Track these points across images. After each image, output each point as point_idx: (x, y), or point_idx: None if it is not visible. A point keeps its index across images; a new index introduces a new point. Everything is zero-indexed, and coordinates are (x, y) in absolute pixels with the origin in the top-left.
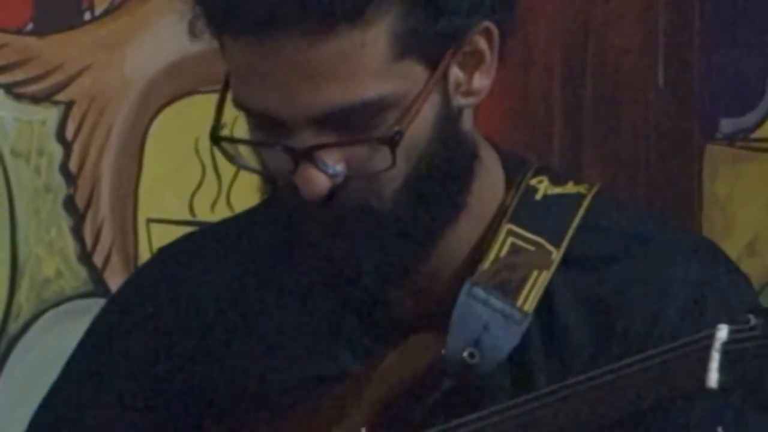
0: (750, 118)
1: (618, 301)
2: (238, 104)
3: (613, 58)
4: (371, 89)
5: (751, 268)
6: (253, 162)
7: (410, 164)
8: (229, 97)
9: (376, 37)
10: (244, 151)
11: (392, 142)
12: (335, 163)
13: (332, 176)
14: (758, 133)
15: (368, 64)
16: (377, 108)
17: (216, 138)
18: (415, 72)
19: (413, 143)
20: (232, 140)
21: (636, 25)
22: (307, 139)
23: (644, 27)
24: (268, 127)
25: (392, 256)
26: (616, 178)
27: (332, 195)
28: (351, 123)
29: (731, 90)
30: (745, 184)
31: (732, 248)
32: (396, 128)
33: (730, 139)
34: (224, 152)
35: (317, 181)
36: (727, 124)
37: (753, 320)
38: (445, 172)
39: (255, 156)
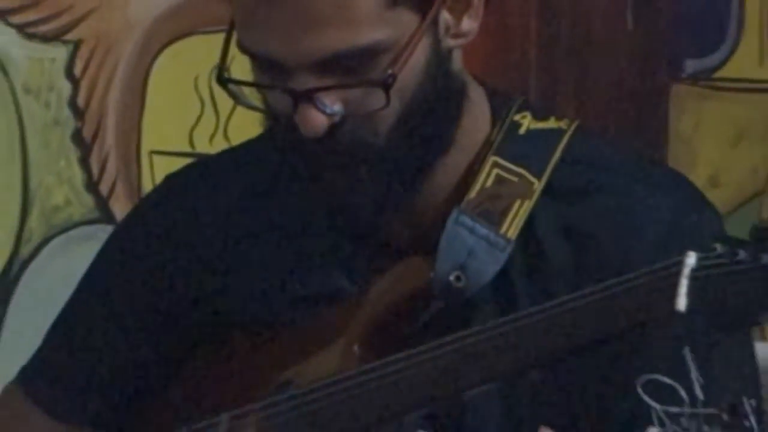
0: (713, 59)
1: (595, 232)
2: (243, 48)
3: (586, 2)
4: (366, 35)
5: (713, 198)
6: (257, 101)
7: (403, 103)
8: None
9: None
10: (247, 90)
11: (386, 85)
12: (333, 103)
13: (330, 116)
14: (720, 73)
15: (363, 11)
16: (372, 52)
17: (223, 80)
18: (407, 18)
19: (406, 84)
20: (238, 82)
21: None
22: (306, 81)
23: None
24: (271, 70)
25: (386, 186)
26: (588, 114)
27: (330, 133)
28: (348, 67)
29: (695, 33)
30: (707, 120)
31: (696, 180)
32: (390, 71)
33: (694, 79)
34: (230, 92)
35: (316, 120)
36: (691, 65)
37: (719, 248)
38: (435, 109)
39: (259, 95)
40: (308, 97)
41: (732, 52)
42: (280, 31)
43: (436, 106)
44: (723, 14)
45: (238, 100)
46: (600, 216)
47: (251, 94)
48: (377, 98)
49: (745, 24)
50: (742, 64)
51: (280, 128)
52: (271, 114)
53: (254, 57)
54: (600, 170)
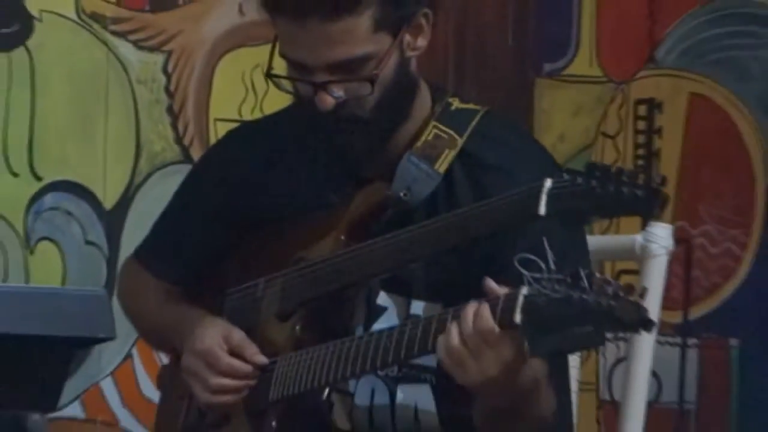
0: (561, 63)
1: (488, 178)
2: (282, 55)
3: (483, 29)
4: (360, 49)
5: (561, 150)
6: (289, 86)
7: (381, 90)
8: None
9: (364, 20)
10: (282, 81)
11: (372, 80)
12: (338, 91)
13: (336, 98)
14: (566, 71)
15: (359, 35)
16: (363, 60)
17: (269, 75)
18: (384, 39)
19: (383, 79)
20: (278, 76)
21: (493, 7)
22: (322, 77)
23: (499, 9)
24: (300, 69)
25: (367, 141)
26: (485, 100)
27: (336, 108)
28: (348, 68)
29: (550, 46)
30: (558, 101)
31: (550, 138)
32: (374, 72)
33: (550, 75)
34: (273, 82)
35: (328, 101)
36: (547, 66)
37: (566, 176)
38: (399, 95)
39: (290, 84)
40: (323, 86)
41: (572, 58)
42: (308, 46)
43: (400, 93)
44: (567, 34)
45: (278, 86)
46: (493, 168)
47: (285, 83)
48: (365, 88)
49: (581, 40)
50: (579, 66)
51: (303, 105)
52: (297, 95)
53: (289, 60)
54: (494, 140)
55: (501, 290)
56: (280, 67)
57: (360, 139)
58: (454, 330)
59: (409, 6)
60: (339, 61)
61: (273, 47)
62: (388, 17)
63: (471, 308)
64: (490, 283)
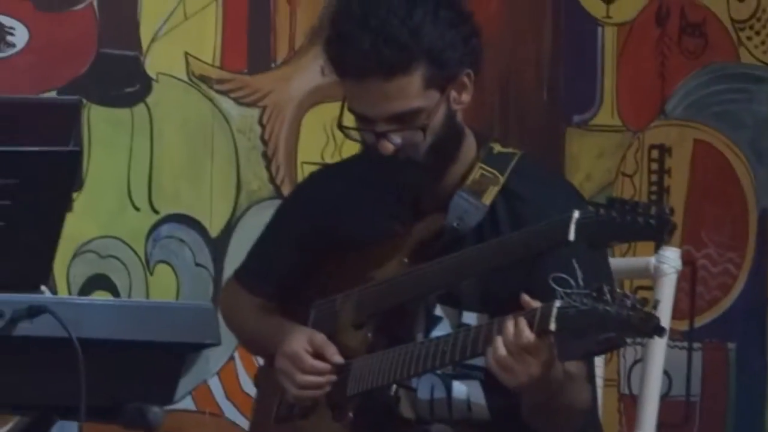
0: (587, 115)
1: (525, 209)
2: (351, 110)
3: (520, 86)
4: (412, 103)
5: (587, 186)
6: (357, 136)
7: (432, 137)
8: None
9: (415, 79)
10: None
11: (423, 128)
12: (396, 138)
13: (395, 144)
14: (592, 122)
15: (411, 92)
16: (416, 112)
17: (341, 127)
18: (434, 94)
19: (433, 128)
20: (349, 128)
21: (531, 70)
22: (382, 127)
23: (535, 71)
24: (364, 121)
25: (423, 179)
26: (525, 147)
27: (395, 153)
28: (403, 119)
29: (578, 101)
30: (584, 146)
31: (579, 178)
32: (426, 122)
33: (578, 125)
34: (344, 133)
35: (388, 147)
36: (576, 117)
37: (591, 208)
38: (447, 141)
39: (358, 134)
40: (384, 135)
41: (597, 111)
42: (370, 102)
43: (448, 139)
44: (592, 91)
45: (348, 136)
46: (529, 202)
47: (353, 133)
48: (419, 136)
49: (604, 96)
50: (602, 117)
51: (369, 150)
52: (363, 143)
53: (356, 114)
54: (531, 177)
55: (535, 303)
56: (350, 120)
57: (416, 178)
58: (499, 342)
59: (454, 67)
60: (395, 113)
61: (342, 104)
62: (435, 76)
63: (510, 322)
64: (526, 298)
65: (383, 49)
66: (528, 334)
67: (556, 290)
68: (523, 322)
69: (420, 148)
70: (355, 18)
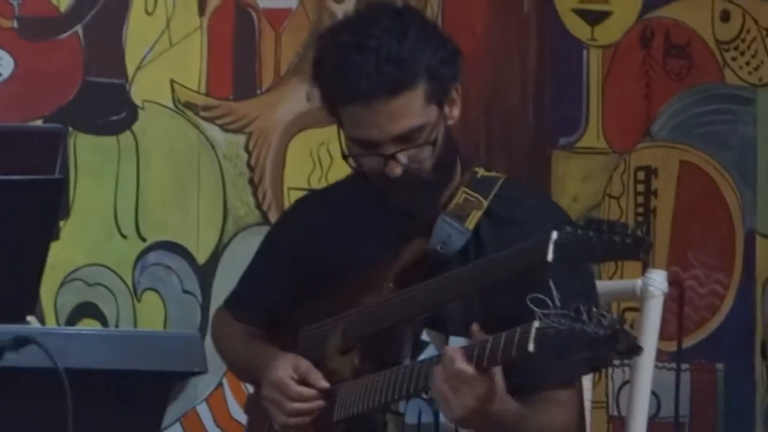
0: (573, 137)
1: (508, 231)
2: (351, 137)
3: (506, 107)
4: (417, 120)
5: (574, 209)
6: (356, 164)
7: (436, 154)
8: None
9: (418, 95)
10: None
11: (434, 143)
12: (404, 158)
13: (404, 165)
14: (577, 144)
15: (415, 108)
16: (420, 129)
17: (344, 156)
18: (433, 110)
19: (437, 144)
20: (350, 155)
21: (516, 92)
22: (389, 148)
23: (521, 94)
24: (367, 146)
25: (427, 198)
26: (511, 169)
27: (404, 173)
28: (409, 138)
29: (563, 123)
30: (571, 168)
31: (566, 200)
32: (434, 136)
33: (564, 147)
34: (349, 163)
35: (397, 168)
36: (562, 140)
37: (569, 229)
38: (448, 156)
39: (353, 161)
40: (393, 156)
41: (583, 133)
42: (376, 124)
43: (449, 155)
44: (577, 113)
45: (352, 166)
46: (513, 224)
47: (351, 160)
48: (426, 152)
49: (590, 118)
50: (588, 139)
51: (369, 176)
52: (359, 169)
53: (357, 141)
54: (513, 200)
55: (480, 334)
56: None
57: (422, 197)
58: (437, 371)
59: (449, 82)
60: (402, 132)
61: (339, 134)
62: (434, 91)
63: (452, 352)
64: (473, 328)
65: (386, 68)
66: (463, 366)
67: (535, 311)
68: (458, 354)
69: (426, 166)
70: (351, 44)
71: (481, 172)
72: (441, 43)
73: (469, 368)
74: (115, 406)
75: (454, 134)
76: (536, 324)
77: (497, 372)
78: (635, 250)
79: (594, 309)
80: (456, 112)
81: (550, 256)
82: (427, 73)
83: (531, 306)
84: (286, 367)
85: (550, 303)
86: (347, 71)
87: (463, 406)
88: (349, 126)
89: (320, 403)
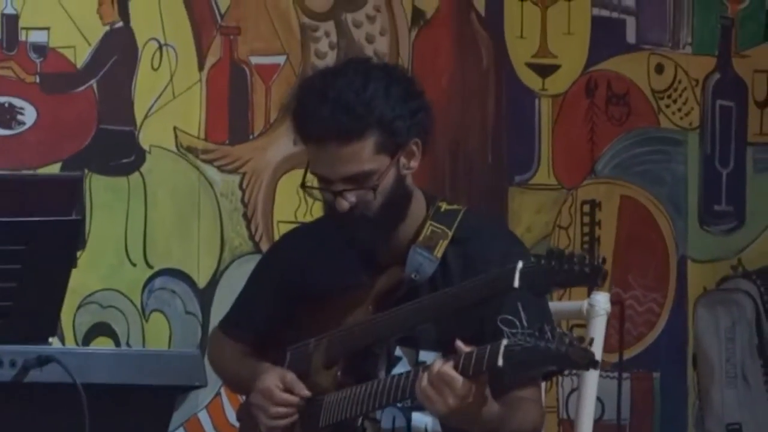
0: (527, 175)
1: (473, 259)
2: (312, 172)
3: (467, 152)
4: (365, 167)
5: (528, 238)
6: (318, 196)
7: (382, 197)
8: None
9: (367, 144)
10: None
11: (374, 188)
12: (351, 197)
13: (350, 202)
14: (531, 181)
15: (364, 156)
16: (368, 174)
17: (304, 187)
18: (384, 159)
19: (383, 189)
20: (310, 187)
21: (477, 137)
22: (338, 186)
23: (481, 138)
24: (323, 182)
25: (374, 234)
26: (473, 203)
27: (350, 210)
28: (356, 180)
29: (518, 162)
30: (525, 203)
31: (520, 230)
32: (376, 183)
33: (519, 184)
34: (306, 192)
35: (344, 204)
36: (517, 178)
37: (533, 259)
38: (396, 201)
39: (318, 193)
40: (340, 193)
41: (535, 172)
42: (328, 164)
43: (397, 200)
44: (531, 154)
45: (312, 195)
46: (475, 252)
47: (315, 193)
48: (370, 195)
49: (541, 159)
50: (540, 177)
51: (328, 208)
52: (324, 202)
53: (317, 176)
54: (475, 230)
55: (465, 348)
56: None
57: (369, 234)
58: (424, 375)
59: (403, 136)
60: (349, 175)
61: (306, 168)
62: (386, 143)
63: (439, 361)
64: (458, 342)
65: (340, 116)
66: (448, 371)
67: (504, 330)
68: (444, 362)
69: (372, 206)
70: (316, 90)
71: (444, 206)
72: (402, 99)
73: (451, 370)
74: (127, 416)
75: (410, 182)
76: (505, 342)
77: (483, 380)
78: (593, 278)
79: (557, 329)
80: (414, 163)
81: (516, 283)
82: (378, 126)
83: (501, 326)
84: (273, 378)
85: (517, 323)
86: (307, 114)
87: (446, 405)
88: (310, 161)
89: (299, 409)
